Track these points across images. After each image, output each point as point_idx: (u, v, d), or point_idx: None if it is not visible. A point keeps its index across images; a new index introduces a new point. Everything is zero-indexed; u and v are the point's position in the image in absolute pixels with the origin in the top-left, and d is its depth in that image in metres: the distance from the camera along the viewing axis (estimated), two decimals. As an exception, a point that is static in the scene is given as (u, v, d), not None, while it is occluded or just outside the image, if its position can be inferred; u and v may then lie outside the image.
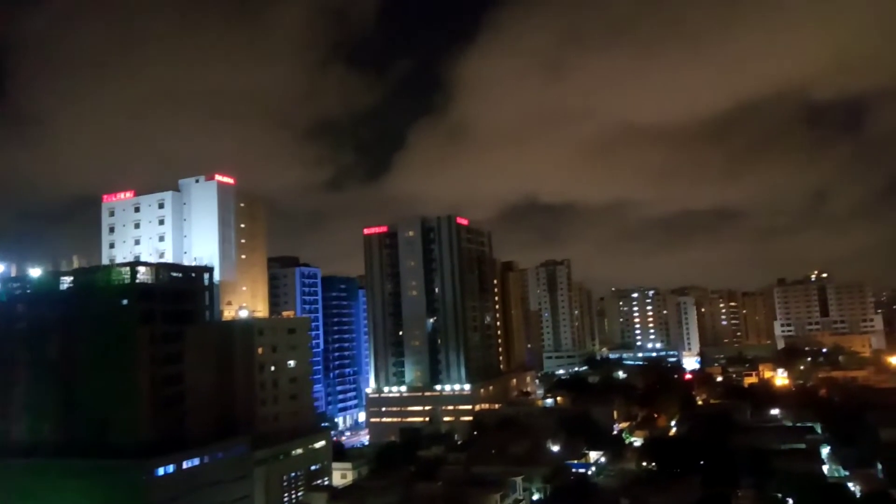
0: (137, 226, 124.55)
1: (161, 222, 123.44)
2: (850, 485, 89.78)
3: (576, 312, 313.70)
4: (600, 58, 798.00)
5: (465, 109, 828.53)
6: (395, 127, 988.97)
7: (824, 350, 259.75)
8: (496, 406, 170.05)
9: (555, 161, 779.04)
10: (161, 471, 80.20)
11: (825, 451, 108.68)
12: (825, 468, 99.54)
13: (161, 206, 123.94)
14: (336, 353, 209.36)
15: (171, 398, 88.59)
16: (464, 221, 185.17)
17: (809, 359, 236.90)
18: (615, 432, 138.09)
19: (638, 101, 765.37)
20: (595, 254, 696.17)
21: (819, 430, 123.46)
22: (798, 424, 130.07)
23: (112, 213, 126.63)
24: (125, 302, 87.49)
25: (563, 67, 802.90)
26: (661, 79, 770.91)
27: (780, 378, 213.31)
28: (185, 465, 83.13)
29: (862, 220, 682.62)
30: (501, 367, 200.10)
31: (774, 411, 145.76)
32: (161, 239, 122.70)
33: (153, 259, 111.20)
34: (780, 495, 78.04)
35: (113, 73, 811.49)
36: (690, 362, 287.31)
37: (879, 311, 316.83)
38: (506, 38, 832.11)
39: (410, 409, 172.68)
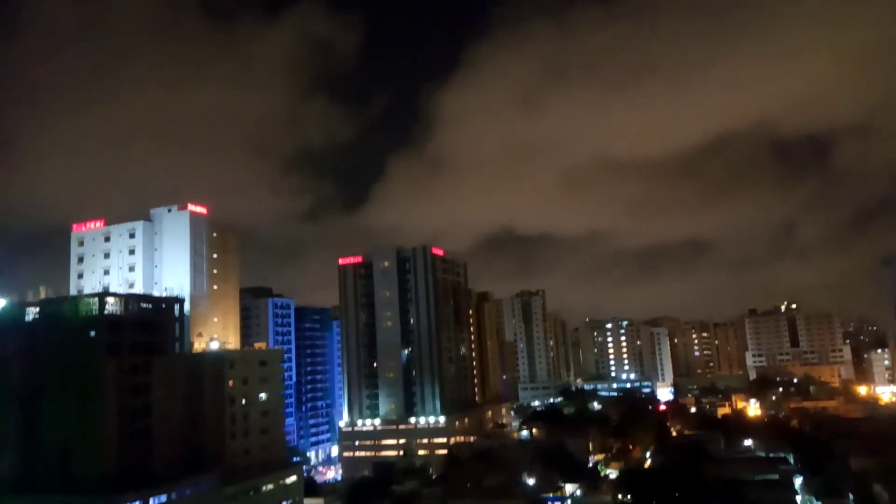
0: (107, 255, 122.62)
1: (132, 252, 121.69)
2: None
3: (550, 343, 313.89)
4: (577, 92, 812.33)
5: (443, 141, 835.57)
6: (374, 158, 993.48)
7: (795, 380, 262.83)
8: (471, 438, 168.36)
9: (531, 193, 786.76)
10: (126, 508, 77.82)
11: (798, 481, 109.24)
12: (798, 499, 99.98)
13: (132, 235, 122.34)
14: (309, 386, 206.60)
15: (138, 431, 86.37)
16: (439, 252, 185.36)
17: (781, 389, 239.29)
18: (590, 464, 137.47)
19: (613, 134, 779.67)
20: (570, 284, 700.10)
21: (791, 461, 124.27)
22: (771, 455, 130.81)
23: (81, 243, 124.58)
24: (92, 333, 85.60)
25: (540, 101, 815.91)
26: (637, 113, 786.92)
27: (753, 408, 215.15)
28: (151, 501, 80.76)
29: (829, 251, 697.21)
30: (476, 398, 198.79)
31: (747, 442, 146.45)
32: (131, 269, 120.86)
33: (123, 289, 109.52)
34: (754, 527, 78.04)
35: (89, 101, 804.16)
36: (664, 393, 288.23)
37: (848, 341, 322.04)
38: (484, 71, 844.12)
39: (384, 442, 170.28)
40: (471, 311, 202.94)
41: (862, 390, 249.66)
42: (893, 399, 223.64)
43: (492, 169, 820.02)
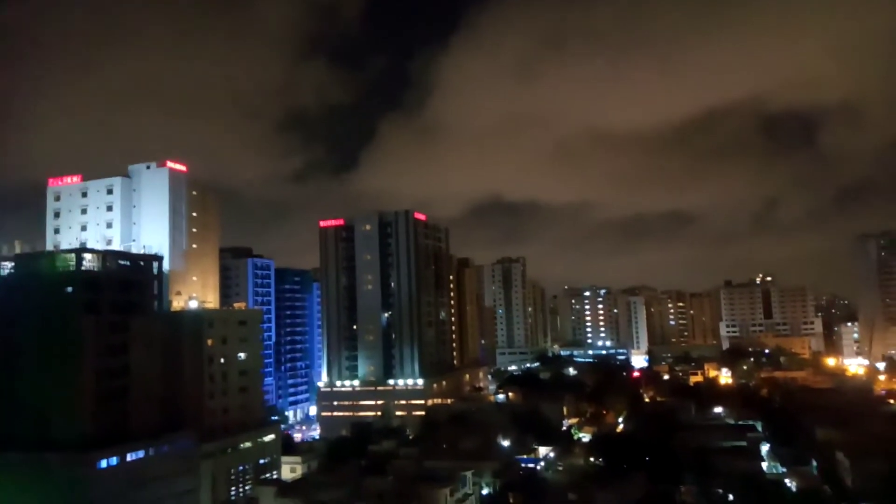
0: (84, 211, 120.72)
1: (109, 209, 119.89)
2: (787, 482, 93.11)
3: (529, 309, 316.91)
4: (574, 64, 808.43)
5: (437, 108, 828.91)
6: (366, 123, 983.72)
7: (767, 351, 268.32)
8: (449, 401, 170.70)
9: (522, 162, 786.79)
10: (104, 464, 78.23)
11: (765, 448, 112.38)
12: (764, 465, 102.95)
13: (110, 191, 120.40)
14: (288, 346, 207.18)
15: (116, 391, 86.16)
16: (421, 217, 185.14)
17: (752, 359, 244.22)
18: (564, 428, 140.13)
19: (606, 107, 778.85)
20: (553, 253, 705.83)
21: (760, 429, 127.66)
22: (740, 423, 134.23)
23: (58, 198, 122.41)
24: (69, 290, 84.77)
25: (536, 71, 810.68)
26: (630, 86, 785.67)
27: (724, 377, 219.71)
28: (128, 458, 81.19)
29: (808, 228, 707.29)
30: (455, 362, 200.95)
31: (718, 410, 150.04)
32: (109, 226, 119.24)
33: (100, 246, 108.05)
34: (720, 492, 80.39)
35: (74, 58, 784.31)
36: (639, 360, 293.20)
37: (819, 314, 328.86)
38: (483, 39, 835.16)
39: (363, 403, 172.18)
40: (451, 277, 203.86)
41: (831, 362, 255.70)
42: (860, 371, 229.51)
43: (484, 137, 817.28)
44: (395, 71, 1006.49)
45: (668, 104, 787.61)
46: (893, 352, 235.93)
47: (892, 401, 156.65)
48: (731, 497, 77.79)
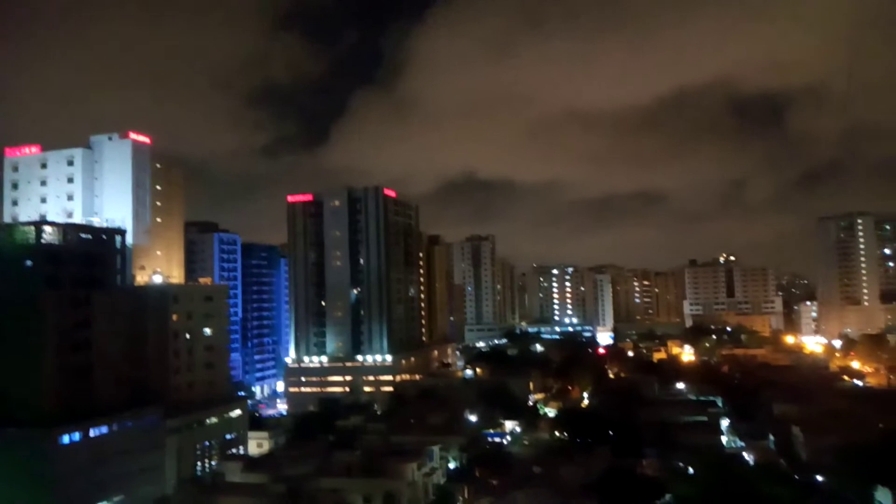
0: (44, 183, 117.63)
1: (70, 180, 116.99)
2: (745, 455, 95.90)
3: (498, 287, 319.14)
4: (550, 42, 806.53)
5: (411, 84, 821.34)
6: (338, 97, 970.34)
7: (728, 329, 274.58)
8: (417, 377, 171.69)
9: (496, 140, 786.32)
10: (67, 440, 77.12)
11: (725, 423, 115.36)
12: (724, 440, 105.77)
13: (70, 163, 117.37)
14: (255, 322, 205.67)
15: (79, 367, 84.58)
16: (391, 193, 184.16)
17: (714, 337, 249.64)
18: (531, 403, 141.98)
19: (580, 86, 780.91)
20: (524, 231, 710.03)
21: (720, 404, 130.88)
22: (701, 398, 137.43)
23: (16, 169, 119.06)
24: (29, 264, 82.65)
25: (513, 49, 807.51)
26: (605, 65, 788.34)
27: (687, 354, 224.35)
28: (92, 434, 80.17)
29: (773, 209, 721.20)
30: (424, 339, 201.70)
31: (680, 386, 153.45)
32: (70, 198, 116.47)
33: (61, 219, 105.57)
34: (681, 465, 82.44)
35: (40, 27, 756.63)
36: (604, 337, 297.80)
37: (780, 293, 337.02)
38: (459, 15, 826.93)
39: (330, 379, 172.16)
40: (421, 254, 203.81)
41: (790, 340, 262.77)
42: (817, 349, 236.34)
43: (458, 115, 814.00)
44: (369, 45, 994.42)
45: (641, 84, 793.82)
46: (849, 330, 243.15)
47: (846, 377, 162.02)
48: (691, 470, 79.78)
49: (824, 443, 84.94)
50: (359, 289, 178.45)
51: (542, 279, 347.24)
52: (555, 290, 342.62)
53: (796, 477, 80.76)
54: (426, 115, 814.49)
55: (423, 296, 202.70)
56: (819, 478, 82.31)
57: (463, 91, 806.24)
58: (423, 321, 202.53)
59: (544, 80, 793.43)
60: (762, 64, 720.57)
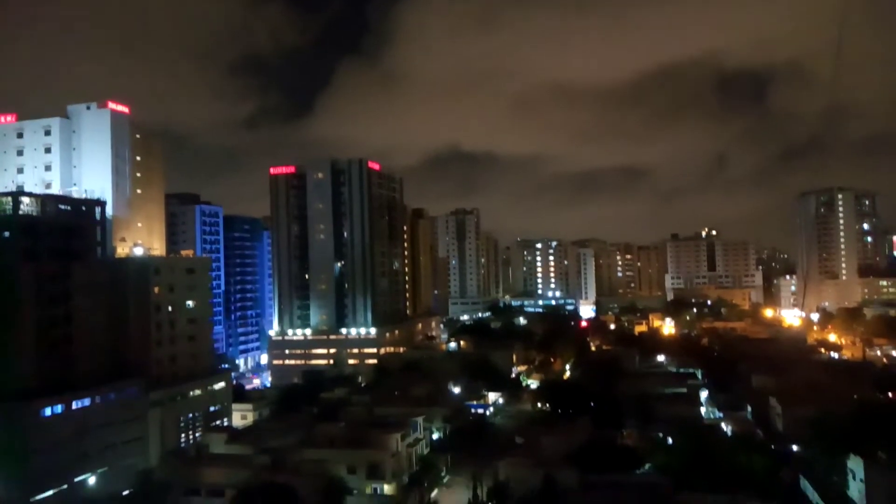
0: (20, 153, 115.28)
1: (48, 150, 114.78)
2: (724, 426, 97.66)
3: (482, 260, 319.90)
4: (537, 16, 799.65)
5: (397, 56, 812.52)
6: (323, 68, 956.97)
7: (709, 302, 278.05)
8: (401, 350, 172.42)
9: (480, 113, 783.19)
10: (48, 412, 76.84)
11: (704, 395, 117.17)
12: (703, 411, 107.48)
13: (48, 132, 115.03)
14: (238, 295, 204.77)
15: (59, 340, 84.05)
16: (375, 166, 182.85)
17: (695, 310, 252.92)
18: (513, 376, 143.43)
19: (566, 60, 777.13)
20: (508, 205, 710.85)
21: (700, 376, 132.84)
22: (681, 371, 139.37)
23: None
24: (6, 235, 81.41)
25: (497, 23, 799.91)
26: (590, 40, 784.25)
27: (668, 327, 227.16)
28: (73, 406, 79.92)
29: (755, 184, 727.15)
30: (408, 312, 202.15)
31: (661, 358, 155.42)
32: (48, 168, 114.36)
33: (38, 190, 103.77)
34: (660, 435, 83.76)
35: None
36: (587, 310, 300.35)
37: (760, 267, 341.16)
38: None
39: (314, 352, 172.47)
40: (405, 227, 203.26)
41: (769, 313, 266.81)
42: (795, 322, 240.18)
43: (443, 87, 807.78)
44: (354, 15, 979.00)
45: (626, 59, 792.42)
46: (827, 304, 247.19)
47: (823, 350, 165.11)
48: (670, 440, 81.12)
49: (800, 413, 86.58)
50: (342, 262, 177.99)
51: (525, 253, 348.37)
52: (538, 263, 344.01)
53: (772, 446, 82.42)
54: (411, 87, 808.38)
55: (407, 269, 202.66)
56: (794, 447, 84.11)
57: (448, 64, 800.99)
58: (408, 294, 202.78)
59: (529, 54, 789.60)
60: (746, 40, 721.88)
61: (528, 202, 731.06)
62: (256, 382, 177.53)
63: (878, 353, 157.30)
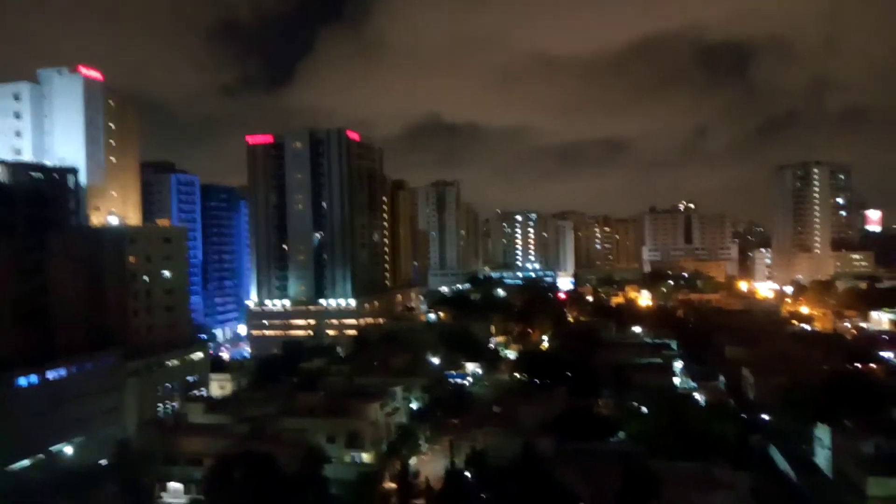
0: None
1: (17, 116, 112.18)
2: (697, 395, 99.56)
3: (462, 232, 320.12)
4: None
5: (380, 24, 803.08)
6: (303, 35, 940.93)
7: (685, 274, 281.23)
8: (381, 321, 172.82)
9: (463, 84, 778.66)
10: (24, 382, 76.13)
11: (678, 365, 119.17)
12: (677, 381, 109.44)
13: (17, 97, 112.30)
14: (215, 265, 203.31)
15: (34, 311, 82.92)
16: (355, 136, 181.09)
17: (671, 282, 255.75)
18: (492, 346, 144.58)
19: (551, 31, 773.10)
20: (489, 177, 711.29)
21: (674, 347, 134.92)
22: (656, 341, 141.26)
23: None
24: (-24, 203, 79.86)
25: None
26: (575, 11, 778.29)
27: (644, 299, 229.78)
28: (49, 376, 79.24)
29: (734, 157, 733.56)
30: (387, 283, 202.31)
31: (637, 329, 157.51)
32: (18, 135, 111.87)
33: (8, 157, 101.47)
34: (635, 404, 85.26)
35: None
36: (565, 282, 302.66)
37: (736, 240, 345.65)
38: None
39: (293, 322, 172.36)
40: (385, 198, 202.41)
41: (743, 286, 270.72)
42: (769, 295, 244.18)
43: (426, 57, 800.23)
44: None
45: (610, 31, 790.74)
46: (800, 276, 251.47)
47: (795, 322, 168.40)
48: (644, 409, 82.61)
49: (771, 383, 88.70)
50: (321, 232, 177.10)
51: (505, 225, 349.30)
52: (518, 235, 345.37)
53: (744, 415, 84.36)
54: (394, 56, 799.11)
55: (386, 240, 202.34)
56: (765, 416, 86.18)
57: (432, 33, 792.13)
58: (387, 266, 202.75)
59: (512, 24, 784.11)
60: (729, 13, 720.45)
61: (510, 174, 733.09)
62: (226, 356, 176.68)
63: (848, 324, 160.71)
